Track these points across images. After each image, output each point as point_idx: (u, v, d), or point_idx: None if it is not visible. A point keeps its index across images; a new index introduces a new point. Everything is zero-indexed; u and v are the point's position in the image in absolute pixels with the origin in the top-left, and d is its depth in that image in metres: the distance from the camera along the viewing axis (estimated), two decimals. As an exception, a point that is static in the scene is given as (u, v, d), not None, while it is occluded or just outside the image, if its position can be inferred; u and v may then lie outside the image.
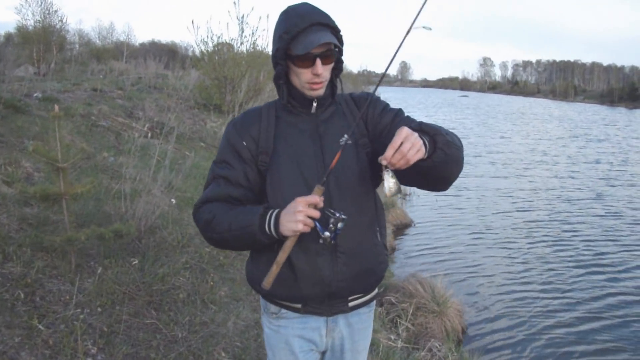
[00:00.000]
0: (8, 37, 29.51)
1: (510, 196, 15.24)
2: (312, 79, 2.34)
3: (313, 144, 2.43)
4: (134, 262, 5.97)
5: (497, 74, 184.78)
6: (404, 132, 1.95)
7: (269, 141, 2.44)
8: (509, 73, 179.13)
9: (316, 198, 2.17)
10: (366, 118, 2.52)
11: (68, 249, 5.42)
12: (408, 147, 1.93)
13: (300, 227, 2.15)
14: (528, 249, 10.48)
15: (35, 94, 13.15)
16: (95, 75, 22.16)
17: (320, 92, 2.42)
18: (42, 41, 26.10)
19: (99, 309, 5.06)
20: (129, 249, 6.29)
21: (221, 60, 18.68)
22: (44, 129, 9.53)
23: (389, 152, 1.95)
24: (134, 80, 21.20)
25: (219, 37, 18.91)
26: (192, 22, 21.91)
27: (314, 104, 2.45)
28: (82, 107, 12.68)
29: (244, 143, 2.44)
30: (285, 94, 2.44)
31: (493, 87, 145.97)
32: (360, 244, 2.43)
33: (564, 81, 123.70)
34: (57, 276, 5.46)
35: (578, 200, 14.80)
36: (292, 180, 2.37)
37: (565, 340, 7.01)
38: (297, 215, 2.14)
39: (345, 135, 2.35)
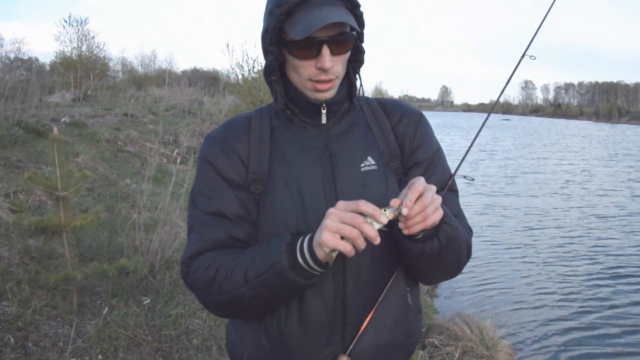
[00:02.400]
0: (53, 65, 29.69)
1: (556, 218, 14.33)
2: (317, 75, 1.68)
3: (322, 169, 1.77)
4: (145, 302, 5.35)
5: (538, 96, 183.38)
6: (423, 180, 1.49)
7: (262, 163, 1.79)
8: (551, 96, 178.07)
9: (362, 205, 1.45)
10: (403, 136, 1.88)
11: (69, 288, 4.82)
12: (430, 198, 1.47)
13: (325, 235, 1.46)
14: (584, 276, 9.60)
15: (63, 119, 12.82)
16: (127, 100, 21.92)
17: (330, 93, 1.75)
18: (79, 67, 26.12)
19: (100, 357, 4.44)
20: (141, 286, 5.70)
21: (257, 83, 18.24)
22: (65, 154, 9.05)
23: (412, 196, 1.44)
24: (168, 105, 20.92)
25: (254, 59, 18.54)
26: (227, 45, 21.57)
27: (323, 112, 1.80)
28: (109, 132, 12.27)
29: (231, 163, 1.80)
30: (281, 96, 1.79)
31: (535, 110, 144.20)
32: (383, 313, 1.77)
33: (607, 102, 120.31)
34: (56, 317, 4.89)
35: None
36: (289, 220, 1.73)
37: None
38: (326, 221, 1.46)
39: (369, 158, 1.79)
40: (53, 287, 4.86)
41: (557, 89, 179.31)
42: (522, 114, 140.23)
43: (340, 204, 1.47)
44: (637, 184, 20.51)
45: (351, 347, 1.69)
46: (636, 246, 11.60)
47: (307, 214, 1.71)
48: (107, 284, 5.37)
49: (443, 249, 1.61)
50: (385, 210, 1.44)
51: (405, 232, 1.50)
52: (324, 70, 1.64)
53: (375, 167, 1.78)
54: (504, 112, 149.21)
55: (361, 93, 1.91)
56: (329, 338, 1.72)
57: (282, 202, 1.73)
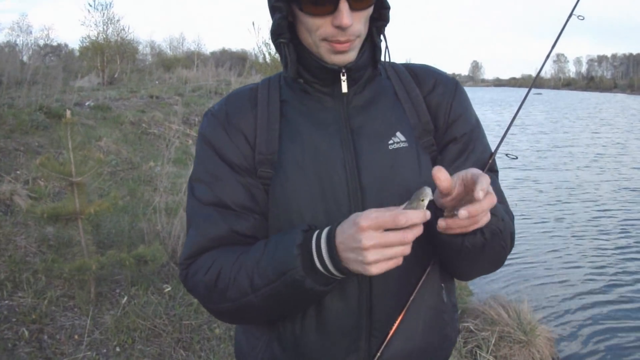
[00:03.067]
0: (82, 50, 29.70)
1: (594, 194, 13.89)
2: (334, 34, 1.39)
3: (342, 148, 1.49)
4: (167, 289, 5.14)
5: (571, 70, 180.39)
6: (487, 179, 1.21)
7: (272, 142, 1.52)
8: (584, 69, 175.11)
9: (401, 219, 1.19)
10: (437, 108, 1.60)
11: (85, 278, 4.63)
12: (489, 203, 1.22)
13: (374, 271, 1.21)
14: (622, 255, 9.22)
15: (87, 103, 12.68)
16: (152, 82, 21.79)
17: (351, 56, 1.46)
18: (106, 51, 26.04)
19: (117, 349, 4.26)
20: (162, 272, 5.49)
21: (283, 62, 17.88)
22: (87, 138, 8.90)
23: (477, 198, 1.18)
24: (195, 86, 20.72)
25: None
26: (253, 23, 21.23)
27: (343, 79, 1.50)
28: (133, 114, 12.10)
29: (234, 143, 1.52)
30: (292, 62, 1.50)
31: (567, 84, 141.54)
32: (415, 313, 1.51)
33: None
34: (73, 308, 4.71)
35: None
36: (303, 210, 1.47)
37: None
38: (367, 254, 1.20)
39: (398, 134, 1.52)
40: (69, 277, 4.67)
41: (590, 61, 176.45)
42: (554, 88, 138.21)
43: (373, 216, 1.20)
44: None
45: (378, 354, 1.45)
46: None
47: (326, 202, 1.45)
48: (126, 272, 5.16)
49: (487, 244, 1.37)
50: (422, 200, 1.21)
51: (446, 230, 1.26)
52: (342, 28, 1.36)
53: (406, 144, 1.51)
54: (535, 86, 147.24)
55: (387, 58, 1.61)
56: (353, 344, 1.47)
57: (296, 189, 1.47)
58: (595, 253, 9.13)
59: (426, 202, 1.20)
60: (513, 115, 1.82)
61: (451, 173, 1.30)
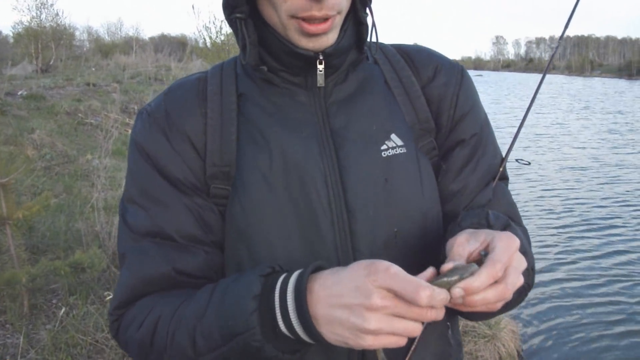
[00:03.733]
0: (16, 37, 28.51)
1: (537, 175, 13.95)
2: (306, 9, 1.02)
3: (322, 156, 1.15)
4: (108, 297, 4.70)
5: (510, 52, 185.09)
6: (514, 245, 0.95)
7: (227, 150, 1.17)
8: (522, 50, 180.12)
9: (420, 291, 0.87)
10: (439, 102, 1.26)
11: (16, 291, 4.17)
12: (513, 282, 0.93)
13: (368, 342, 0.91)
14: (567, 233, 9.17)
15: (20, 92, 12.01)
16: (89, 69, 21.05)
17: (328, 39, 1.09)
18: (41, 37, 25.04)
19: (56, 370, 3.81)
20: (103, 278, 5.04)
21: (226, 46, 17.39)
22: (19, 130, 8.32)
23: (485, 277, 0.91)
24: (134, 73, 20.06)
25: (222, 21, 17.66)
26: (193, 7, 20.63)
27: (320, 68, 1.14)
28: (69, 104, 11.48)
29: (177, 153, 1.16)
30: (252, 45, 1.13)
31: (507, 65, 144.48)
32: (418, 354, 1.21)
33: (579, 56, 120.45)
34: (4, 324, 4.26)
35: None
36: (273, 239, 1.13)
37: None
38: (371, 317, 0.89)
39: (393, 135, 1.18)
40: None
41: (529, 43, 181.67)
42: (494, 69, 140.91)
43: (393, 272, 0.89)
44: (613, 135, 20.26)
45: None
46: (606, 198, 11.44)
47: (303, 230, 1.13)
48: (63, 281, 4.71)
49: (510, 302, 1.07)
50: (461, 278, 0.91)
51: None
52: (317, 0, 0.99)
53: (404, 150, 1.18)
54: (475, 68, 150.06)
55: (374, 38, 1.21)
56: None
57: (261, 212, 1.12)
58: (542, 232, 9.17)
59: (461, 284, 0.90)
60: (524, 112, 1.50)
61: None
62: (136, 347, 1.11)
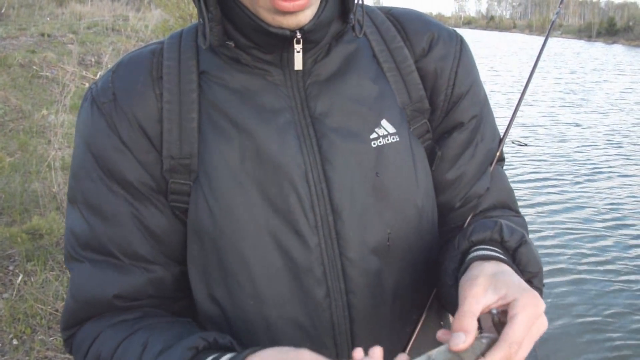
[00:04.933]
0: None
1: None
2: None
3: (302, 147, 1.00)
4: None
5: (471, 9, 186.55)
6: (539, 312, 0.81)
7: (187, 139, 1.01)
8: (484, 8, 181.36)
9: None
10: (435, 78, 1.11)
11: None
12: (522, 356, 0.79)
13: None
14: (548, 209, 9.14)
15: (-31, 42, 11.48)
16: (44, 19, 20.35)
17: (306, 15, 0.93)
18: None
19: (14, 342, 3.67)
20: (61, 243, 4.81)
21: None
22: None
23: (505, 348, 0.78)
24: (90, 23, 19.42)
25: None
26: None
27: (297, 48, 0.97)
28: (22, 55, 11.00)
29: (128, 148, 1.00)
30: (216, 20, 0.97)
31: (468, 22, 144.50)
32: None
33: (539, 16, 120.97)
34: (-42, 294, 4.02)
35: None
36: (251, 250, 1.00)
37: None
38: None
39: (384, 121, 1.04)
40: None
41: (490, 0, 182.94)
42: (455, 26, 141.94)
43: None
44: (567, 94, 20.39)
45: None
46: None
47: (281, 237, 0.99)
48: (20, 247, 4.48)
49: None
50: None
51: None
52: None
53: (396, 138, 1.05)
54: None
55: (358, 10, 1.03)
56: None
57: (231, 213, 0.99)
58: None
59: None
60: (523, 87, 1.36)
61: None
62: None
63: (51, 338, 3.69)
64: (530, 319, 0.79)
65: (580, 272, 6.42)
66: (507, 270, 0.88)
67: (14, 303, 3.92)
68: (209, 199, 0.97)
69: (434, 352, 0.79)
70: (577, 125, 14.71)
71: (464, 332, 0.77)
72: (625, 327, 5.34)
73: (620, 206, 8.47)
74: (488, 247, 0.97)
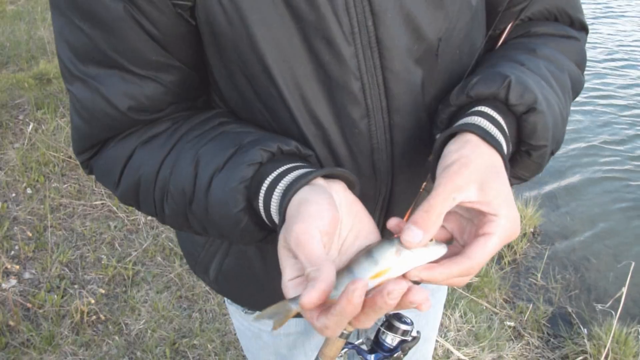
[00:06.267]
0: None
1: None
2: None
3: None
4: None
5: None
6: (511, 238, 0.71)
7: None
8: None
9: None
10: None
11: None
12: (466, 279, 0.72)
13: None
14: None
15: None
16: None
17: None
18: None
19: (29, 190, 3.61)
20: (72, 89, 4.67)
21: None
22: None
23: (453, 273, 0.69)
24: None
25: None
26: None
27: None
28: None
29: None
30: None
31: None
32: None
33: None
34: (-32, 144, 3.94)
35: None
36: (278, 62, 0.81)
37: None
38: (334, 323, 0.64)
39: None
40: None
41: None
42: None
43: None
44: None
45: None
46: None
47: (310, 41, 0.81)
48: (29, 95, 4.35)
49: (539, 166, 0.87)
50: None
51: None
52: None
53: None
54: None
55: None
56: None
57: (254, 18, 0.79)
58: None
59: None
60: None
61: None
62: (127, 188, 0.94)
63: (65, 185, 3.62)
64: (501, 244, 0.71)
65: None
66: (502, 172, 0.74)
67: (25, 152, 3.84)
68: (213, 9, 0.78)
69: (375, 247, 0.69)
70: None
71: (423, 230, 0.68)
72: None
73: None
74: (489, 108, 0.81)
